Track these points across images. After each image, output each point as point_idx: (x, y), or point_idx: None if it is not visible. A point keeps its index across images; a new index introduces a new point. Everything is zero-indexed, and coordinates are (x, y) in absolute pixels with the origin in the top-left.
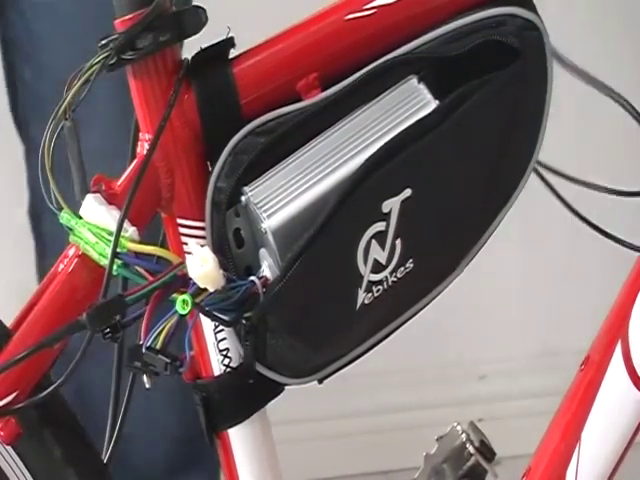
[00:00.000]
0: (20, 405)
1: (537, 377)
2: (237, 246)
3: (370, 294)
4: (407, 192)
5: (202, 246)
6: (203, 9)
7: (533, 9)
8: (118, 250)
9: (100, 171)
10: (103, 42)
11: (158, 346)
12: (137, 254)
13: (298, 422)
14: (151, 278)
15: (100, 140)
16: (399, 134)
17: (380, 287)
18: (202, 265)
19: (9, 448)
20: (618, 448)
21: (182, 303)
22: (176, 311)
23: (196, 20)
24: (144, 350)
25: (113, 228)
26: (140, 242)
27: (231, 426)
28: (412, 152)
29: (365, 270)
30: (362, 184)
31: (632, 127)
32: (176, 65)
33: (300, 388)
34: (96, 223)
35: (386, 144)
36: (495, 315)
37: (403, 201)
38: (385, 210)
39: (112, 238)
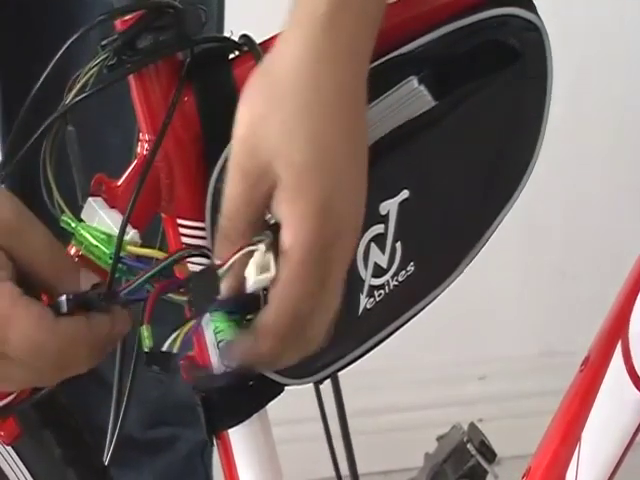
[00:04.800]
0: (20, 405)
1: (537, 377)
2: None
3: (372, 299)
4: (405, 193)
5: (266, 252)
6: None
7: (533, 9)
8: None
9: (122, 168)
10: (103, 43)
11: (175, 350)
12: (137, 257)
13: (298, 422)
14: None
15: (125, 137)
16: (393, 131)
17: (382, 291)
18: (262, 272)
19: (9, 448)
20: (618, 448)
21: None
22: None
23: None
24: (159, 355)
25: (113, 231)
26: (140, 245)
27: (231, 426)
28: (408, 153)
29: (366, 274)
30: None
31: (631, 127)
32: (176, 66)
33: (300, 388)
34: (97, 227)
35: (381, 144)
36: (495, 315)
37: (401, 203)
38: (383, 212)
39: (112, 241)
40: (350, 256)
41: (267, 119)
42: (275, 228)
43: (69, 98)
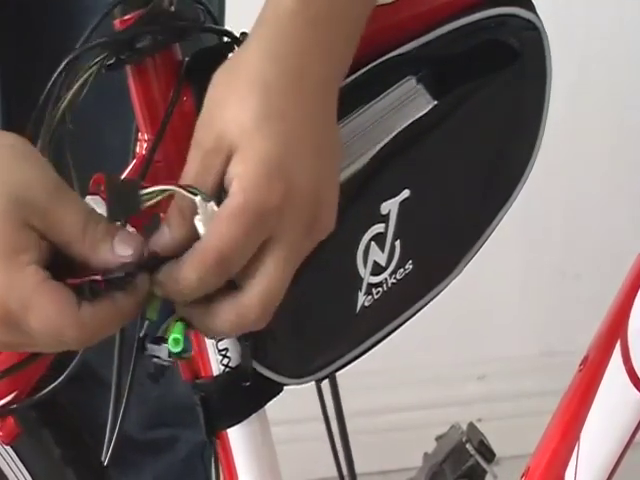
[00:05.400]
0: (19, 405)
1: (536, 377)
2: None
3: (370, 296)
4: (405, 193)
5: (207, 202)
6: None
7: (532, 9)
8: None
9: (120, 169)
10: (102, 42)
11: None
12: None
13: (298, 422)
14: None
15: (124, 138)
16: (397, 135)
17: (380, 289)
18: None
19: (8, 448)
20: (617, 448)
21: (173, 343)
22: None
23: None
24: (148, 344)
25: None
26: None
27: (230, 426)
28: (410, 153)
29: (365, 272)
30: (361, 187)
31: (631, 127)
32: (175, 65)
33: (299, 388)
34: None
35: (384, 145)
36: (494, 315)
37: (402, 202)
38: (384, 212)
39: None
40: (305, 244)
41: (226, 93)
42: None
43: (67, 97)
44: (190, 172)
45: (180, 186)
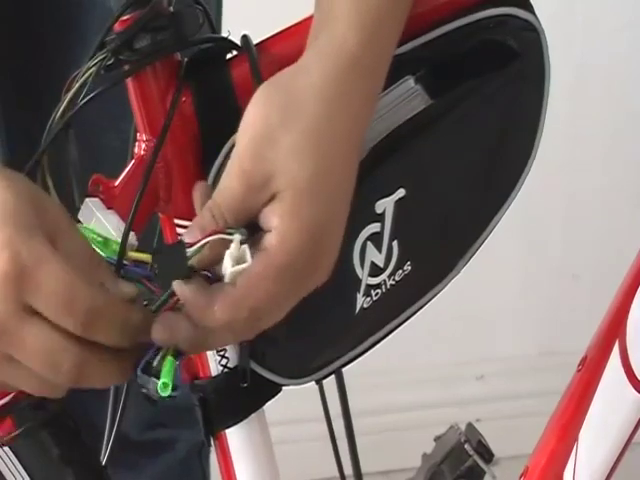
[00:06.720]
0: (18, 405)
1: (535, 377)
2: None
3: (369, 298)
4: (401, 192)
5: (242, 243)
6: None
7: (531, 9)
8: (116, 259)
9: (119, 169)
10: (101, 42)
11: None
12: (135, 262)
13: (297, 422)
14: (148, 284)
15: (122, 139)
16: (390, 133)
17: (379, 290)
18: (238, 263)
19: (6, 448)
20: (616, 448)
21: (162, 387)
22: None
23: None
24: (138, 372)
25: (110, 234)
26: (137, 250)
27: (229, 426)
28: (405, 152)
29: (363, 273)
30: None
31: (630, 127)
32: (174, 66)
33: (298, 388)
34: (94, 228)
35: (377, 143)
36: (493, 315)
37: (397, 201)
38: (379, 211)
39: (108, 245)
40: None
41: (280, 132)
42: (252, 227)
43: (67, 98)
44: (235, 198)
45: (220, 232)
